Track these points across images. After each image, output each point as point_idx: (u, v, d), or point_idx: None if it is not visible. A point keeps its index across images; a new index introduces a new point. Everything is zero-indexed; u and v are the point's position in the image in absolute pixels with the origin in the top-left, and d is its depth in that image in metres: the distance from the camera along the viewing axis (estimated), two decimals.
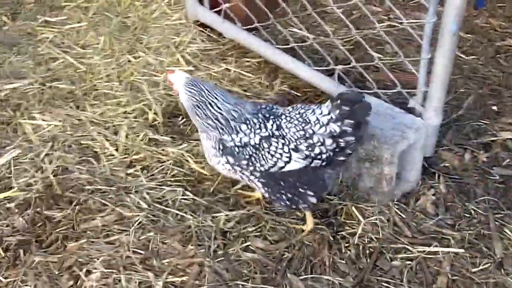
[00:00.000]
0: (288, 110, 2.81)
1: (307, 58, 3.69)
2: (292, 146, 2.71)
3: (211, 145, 2.82)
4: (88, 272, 2.77)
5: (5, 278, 2.79)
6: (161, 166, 3.30)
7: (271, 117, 2.77)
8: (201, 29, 4.25)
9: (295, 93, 3.78)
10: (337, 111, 2.62)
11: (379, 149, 2.89)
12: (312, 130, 2.68)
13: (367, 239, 2.92)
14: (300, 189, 2.79)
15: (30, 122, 3.60)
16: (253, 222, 2.99)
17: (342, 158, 2.73)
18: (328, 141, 2.66)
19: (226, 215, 3.01)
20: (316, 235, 2.91)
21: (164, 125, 3.57)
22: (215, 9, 4.07)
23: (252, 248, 2.88)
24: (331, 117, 2.64)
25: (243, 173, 2.82)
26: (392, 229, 2.97)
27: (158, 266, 2.78)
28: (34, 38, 4.29)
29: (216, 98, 2.77)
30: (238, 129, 2.75)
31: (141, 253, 2.83)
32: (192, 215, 3.00)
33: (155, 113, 3.61)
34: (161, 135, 3.47)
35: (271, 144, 2.72)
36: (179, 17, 4.37)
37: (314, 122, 2.67)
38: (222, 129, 2.76)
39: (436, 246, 2.90)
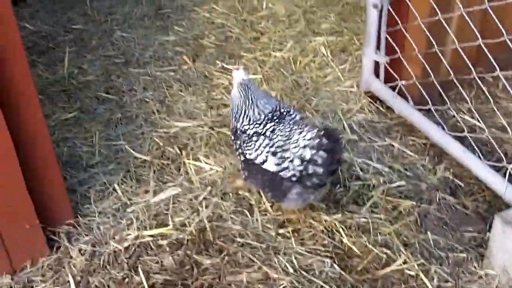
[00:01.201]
0: (291, 118, 3.23)
1: (477, 149, 3.58)
2: (272, 150, 3.08)
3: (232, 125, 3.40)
4: None
5: None
6: (312, 232, 3.29)
7: (276, 120, 3.20)
8: (370, 100, 4.25)
9: (459, 182, 3.65)
10: (317, 140, 2.87)
11: None
12: (289, 146, 3.01)
13: None
14: (264, 187, 3.22)
15: (193, 163, 3.72)
16: None
17: (309, 183, 2.99)
18: (296, 161, 2.97)
19: None
20: None
21: None
22: (389, 84, 4.07)
23: None
24: (309, 143, 2.91)
25: (236, 151, 3.32)
26: None
27: None
28: (210, 82, 4.47)
29: (254, 109, 3.25)
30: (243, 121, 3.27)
31: None
32: None
33: None
34: (316, 200, 3.47)
35: (257, 140, 3.14)
36: (351, 85, 4.40)
37: (295, 140, 3.00)
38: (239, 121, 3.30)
39: None
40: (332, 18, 5.18)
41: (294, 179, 3.03)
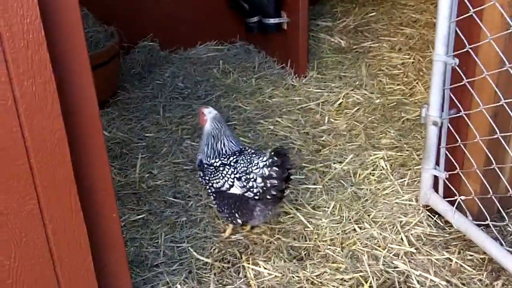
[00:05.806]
0: (250, 152, 3.89)
1: None
2: (237, 176, 3.77)
3: (197, 160, 4.05)
4: None
5: None
6: None
7: (237, 154, 3.87)
8: (429, 214, 4.32)
9: None
10: (270, 160, 3.63)
11: None
12: (251, 169, 3.73)
13: None
14: (233, 210, 3.86)
15: (252, 268, 3.84)
16: None
17: (269, 197, 3.71)
18: (259, 180, 3.69)
19: None
20: None
21: None
22: (448, 198, 4.15)
23: None
24: (265, 163, 3.66)
25: (206, 187, 4.00)
26: None
27: None
28: None
29: (225, 140, 3.93)
30: (212, 155, 3.93)
31: None
32: None
33: (370, 287, 3.68)
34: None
35: (224, 170, 3.82)
36: (409, 198, 4.49)
37: (255, 164, 3.73)
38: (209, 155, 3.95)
39: None
40: (392, 133, 5.34)
41: (256, 197, 3.72)
